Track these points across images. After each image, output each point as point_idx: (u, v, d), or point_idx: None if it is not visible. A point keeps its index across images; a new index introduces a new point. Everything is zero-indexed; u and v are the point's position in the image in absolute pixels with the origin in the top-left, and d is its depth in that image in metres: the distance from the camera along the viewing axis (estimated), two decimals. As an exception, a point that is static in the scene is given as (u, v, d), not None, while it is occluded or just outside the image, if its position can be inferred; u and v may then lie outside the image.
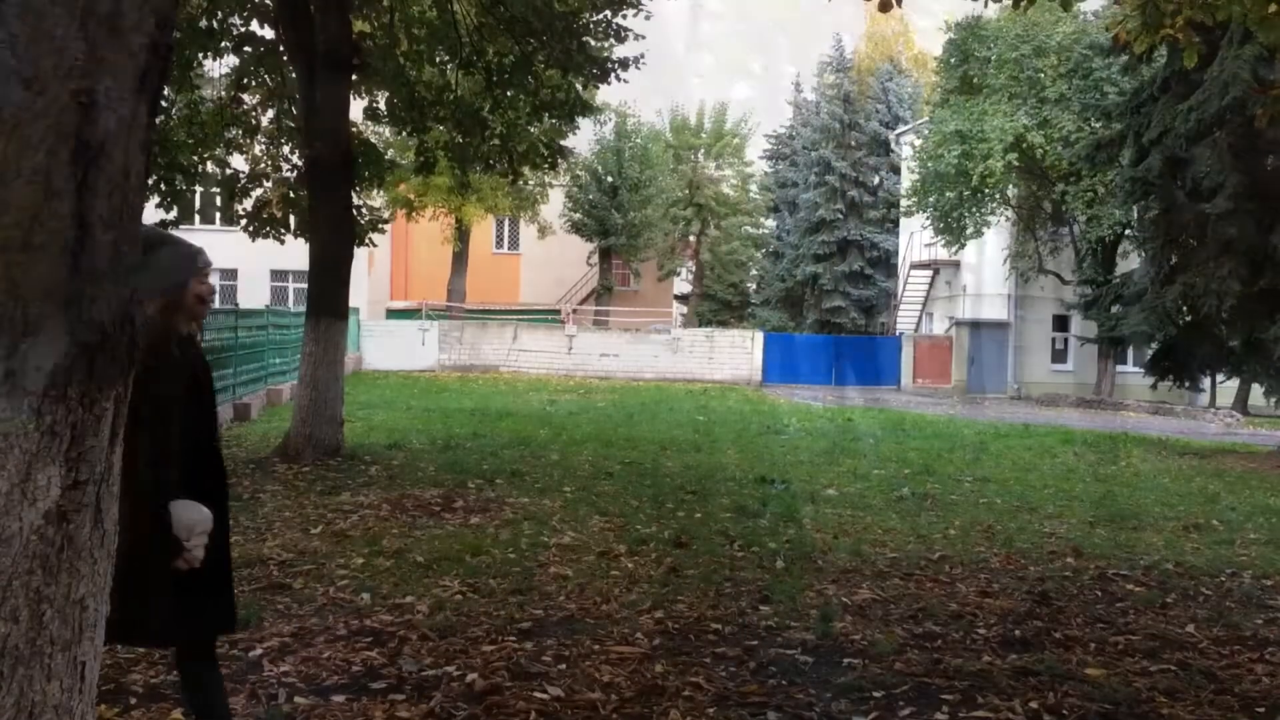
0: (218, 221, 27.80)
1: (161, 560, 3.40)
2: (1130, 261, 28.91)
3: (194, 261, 3.54)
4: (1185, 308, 19.29)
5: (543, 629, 5.85)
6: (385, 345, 34.24)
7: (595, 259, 46.35)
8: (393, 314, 40.00)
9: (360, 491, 10.05)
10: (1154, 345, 21.19)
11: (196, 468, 3.57)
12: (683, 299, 56.42)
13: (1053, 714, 4.68)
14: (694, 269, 53.92)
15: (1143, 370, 22.70)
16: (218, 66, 15.64)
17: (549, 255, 46.50)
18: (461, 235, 39.90)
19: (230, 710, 3.79)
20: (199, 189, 17.27)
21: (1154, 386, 23.21)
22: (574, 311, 43.56)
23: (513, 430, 16.18)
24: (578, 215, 44.15)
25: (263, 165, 16.27)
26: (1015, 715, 4.67)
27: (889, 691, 4.97)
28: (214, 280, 3.70)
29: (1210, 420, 27.14)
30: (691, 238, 52.81)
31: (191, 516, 3.45)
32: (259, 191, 16.04)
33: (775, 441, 16.35)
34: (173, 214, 15.55)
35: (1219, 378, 28.06)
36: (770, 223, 57.25)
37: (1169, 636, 6.11)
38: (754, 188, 54.57)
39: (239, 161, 16.94)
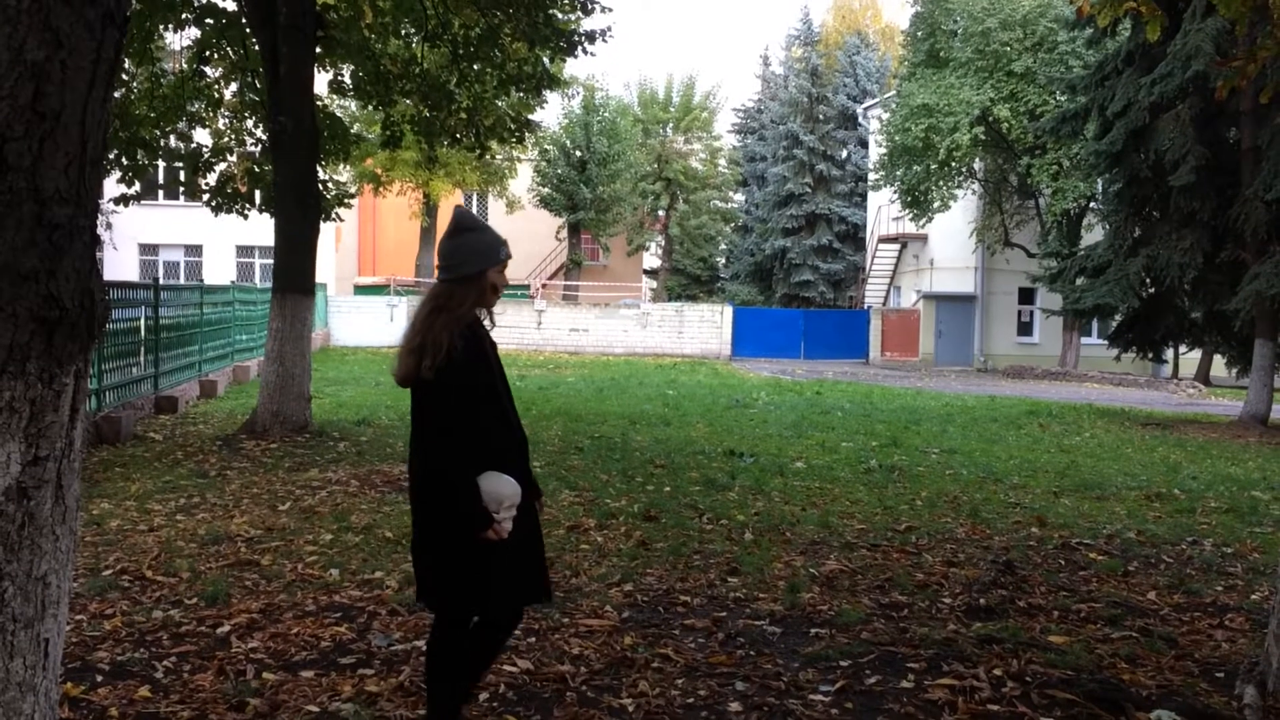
0: (181, 196, 27.45)
1: (467, 532, 3.56)
2: (1095, 234, 29.12)
3: (496, 252, 3.72)
4: (1148, 280, 19.47)
5: (512, 603, 5.86)
6: (353, 321, 34.09)
7: (564, 234, 46.23)
8: (361, 290, 39.78)
9: (328, 468, 10.02)
10: (1118, 317, 21.38)
11: (504, 443, 3.72)
12: (652, 273, 56.39)
13: (1016, 680, 4.74)
14: (663, 243, 53.88)
15: (1107, 342, 22.90)
16: (179, 39, 15.43)
17: (517, 230, 46.14)
18: (429, 210, 39.67)
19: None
20: (161, 163, 17.02)
21: (1118, 358, 23.42)
22: (543, 286, 43.47)
23: (482, 405, 16.12)
24: (546, 190, 43.98)
25: (226, 139, 16.08)
26: (979, 682, 4.73)
27: (855, 660, 5.02)
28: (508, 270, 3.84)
29: (1173, 391, 27.46)
30: (660, 212, 52.74)
31: (501, 489, 3.58)
32: (223, 166, 15.86)
33: (744, 415, 16.41)
34: (134, 189, 15.37)
35: (1181, 349, 28.39)
36: (739, 197, 57.28)
37: (1131, 603, 6.20)
38: (722, 162, 54.55)
39: (202, 135, 16.74)
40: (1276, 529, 8.67)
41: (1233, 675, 4.86)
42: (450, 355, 3.53)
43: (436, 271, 3.79)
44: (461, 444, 3.56)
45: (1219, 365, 28.33)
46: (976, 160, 33.71)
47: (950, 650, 5.17)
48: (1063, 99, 27.64)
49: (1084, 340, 33.48)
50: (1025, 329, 37.21)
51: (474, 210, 47.86)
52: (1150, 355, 22.76)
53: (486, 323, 3.81)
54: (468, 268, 3.68)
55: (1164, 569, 7.16)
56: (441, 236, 3.80)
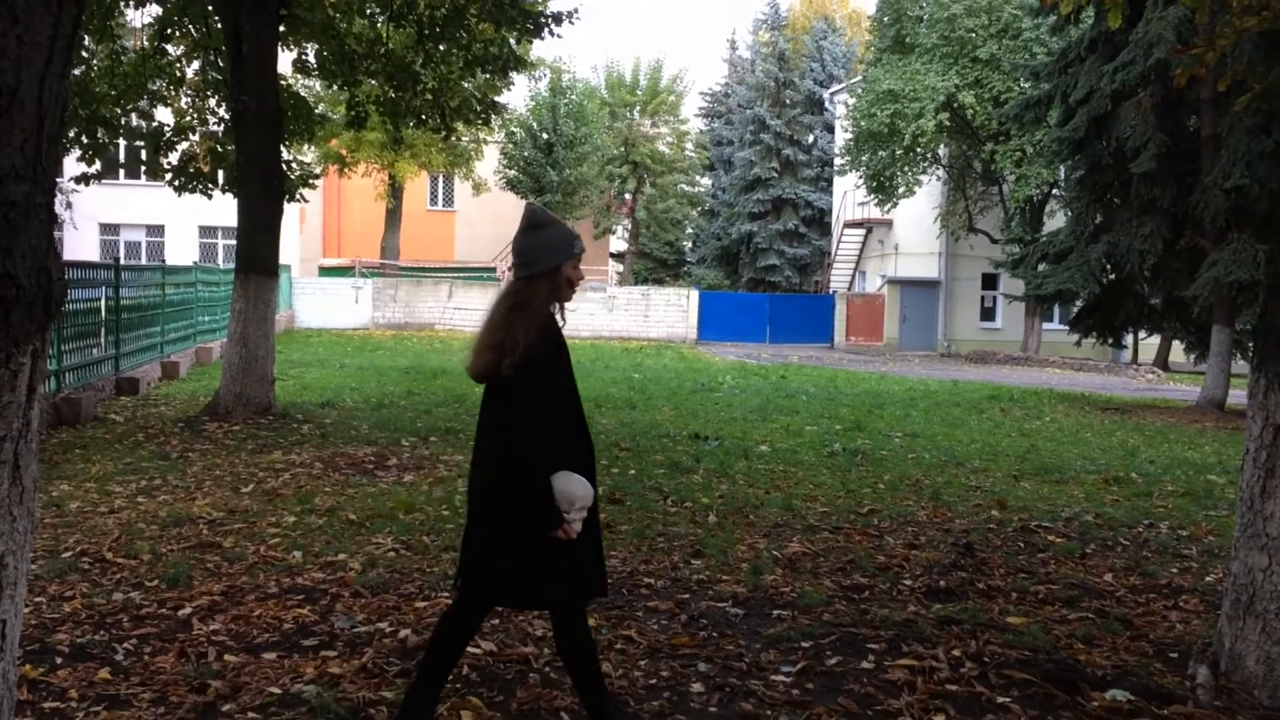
0: (142, 176, 27.15)
1: (538, 528, 3.61)
2: (1057, 220, 29.36)
3: (571, 246, 3.75)
4: (1109, 266, 19.67)
5: (476, 585, 5.87)
6: (318, 303, 33.87)
7: (530, 216, 46.05)
8: (325, 271, 39.48)
9: (292, 450, 9.97)
10: (1079, 303, 21.59)
11: (575, 442, 3.76)
12: (618, 257, 56.32)
13: (974, 661, 4.80)
14: (630, 227, 53.79)
15: (1068, 327, 23.14)
16: (140, 16, 15.22)
17: (484, 212, 46.09)
18: (395, 192, 39.39)
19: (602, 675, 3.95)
20: (122, 142, 16.80)
21: (1078, 343, 23.73)
22: (509, 269, 43.30)
23: (447, 388, 16.11)
24: (513, 172, 43.77)
25: (189, 118, 15.89)
26: (938, 663, 4.78)
27: (817, 641, 5.07)
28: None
29: (1132, 376, 27.76)
30: (627, 195, 52.63)
31: (573, 489, 3.62)
32: (185, 145, 15.67)
33: (709, 399, 16.46)
34: (95, 167, 15.17)
35: (1141, 335, 28.74)
36: (706, 181, 57.27)
37: (1088, 585, 6.28)
38: (690, 145, 54.49)
39: (164, 114, 16.53)
40: (1231, 512, 8.80)
41: (1186, 655, 4.94)
42: (529, 353, 3.58)
43: (512, 269, 3.83)
44: (536, 442, 3.60)
45: (1178, 351, 28.70)
46: (941, 146, 33.88)
47: (910, 631, 5.23)
48: (1026, 86, 27.80)
49: (1046, 326, 33.79)
50: (988, 314, 37.49)
51: (440, 192, 47.71)
52: (1110, 341, 23.04)
53: (559, 318, 3.85)
54: (544, 264, 3.72)
55: (1121, 551, 7.27)
56: (516, 234, 3.85)
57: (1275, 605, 4.46)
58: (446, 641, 3.84)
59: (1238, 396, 17.43)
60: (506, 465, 3.65)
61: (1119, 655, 5.00)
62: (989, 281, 36.82)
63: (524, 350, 3.58)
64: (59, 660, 4.57)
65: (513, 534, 3.66)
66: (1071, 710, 4.32)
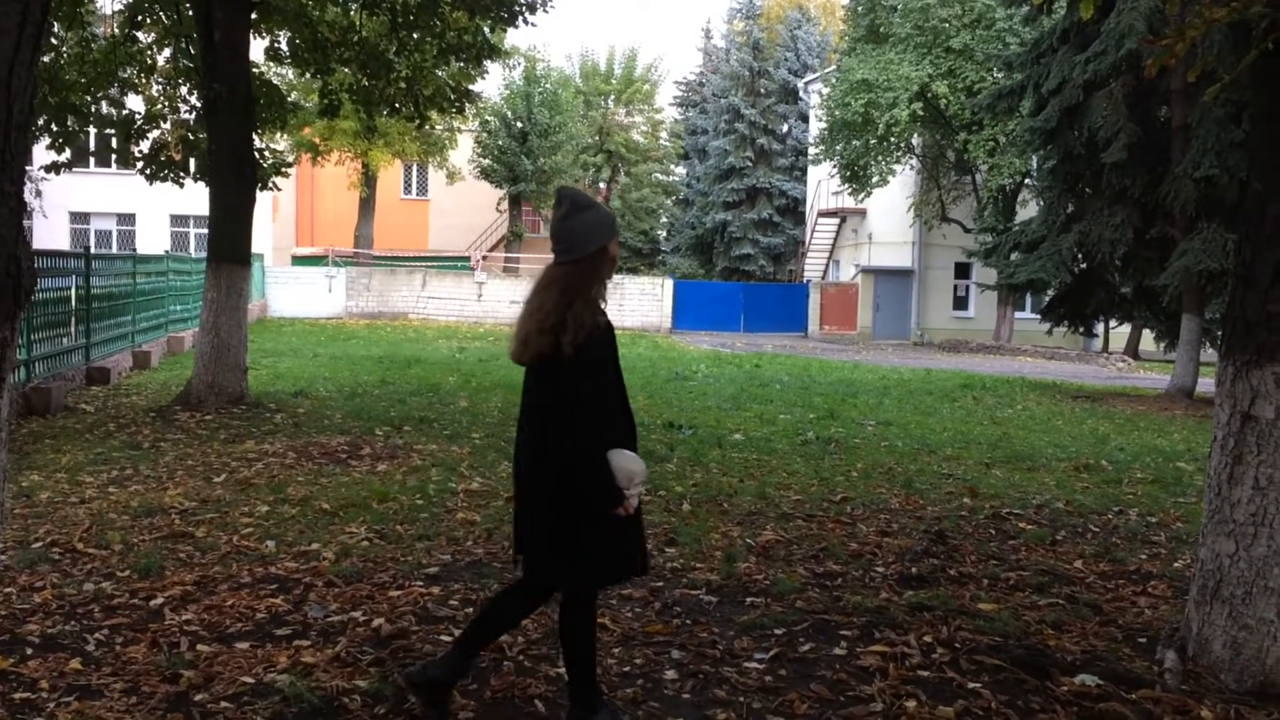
0: (113, 164, 26.90)
1: (594, 508, 3.69)
2: (1029, 210, 29.52)
3: (612, 224, 3.83)
4: (1080, 255, 19.81)
5: (450, 574, 5.88)
6: (291, 292, 33.69)
7: (505, 205, 45.90)
8: (298, 260, 39.29)
9: (265, 439, 9.93)
10: (1050, 292, 21.73)
11: (623, 421, 3.84)
12: (593, 246, 56.16)
13: (945, 647, 4.84)
14: (604, 216, 53.66)
15: (1040, 316, 23.29)
16: (110, 2, 15.08)
17: (458, 201, 45.96)
18: (368, 181, 39.20)
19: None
20: (93, 130, 16.65)
21: (1050, 332, 23.88)
22: (484, 258, 43.21)
23: (421, 378, 16.08)
24: (487, 161, 43.62)
25: (160, 106, 15.75)
26: (910, 649, 4.82)
27: (790, 629, 5.10)
28: None
29: (1103, 365, 27.98)
30: (602, 184, 52.54)
31: (631, 466, 3.70)
32: (156, 133, 15.54)
33: (684, 387, 16.49)
34: (65, 156, 15.04)
35: (1112, 323, 28.96)
36: (680, 170, 57.22)
37: (1058, 571, 6.34)
38: (664, 134, 54.42)
39: (135, 102, 16.39)
40: (1199, 499, 8.89)
41: (1155, 640, 5.00)
42: (593, 334, 3.65)
43: (554, 254, 3.87)
44: (593, 421, 3.69)
45: (1148, 340, 28.94)
46: (915, 136, 33.99)
47: (882, 618, 5.27)
48: (999, 76, 27.93)
49: (1018, 315, 34.01)
50: (961, 303, 37.69)
51: (414, 181, 47.49)
52: (1081, 329, 23.23)
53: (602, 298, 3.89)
54: (592, 245, 3.77)
55: (1090, 538, 7.34)
56: (555, 219, 3.89)
57: (1242, 590, 4.52)
58: (498, 618, 3.99)
59: (1207, 384, 17.61)
60: (557, 446, 3.72)
61: (1088, 641, 5.06)
62: (962, 270, 37.01)
63: (587, 331, 3.65)
64: (29, 651, 4.54)
65: (565, 516, 3.73)
66: (1041, 695, 4.36)
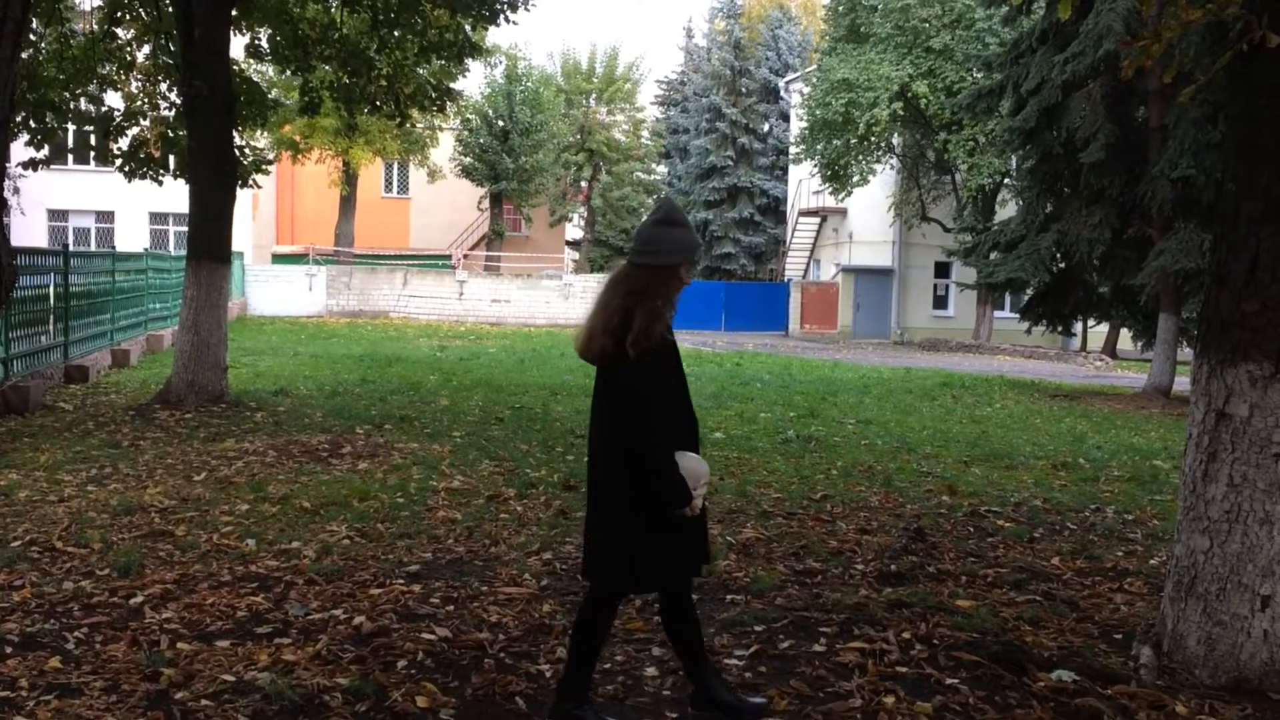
0: (92, 161, 26.75)
1: (655, 510, 3.78)
2: (1009, 209, 29.63)
3: (695, 251, 3.93)
4: (1059, 255, 19.90)
5: (431, 572, 5.88)
6: (271, 290, 33.57)
7: (486, 204, 45.85)
8: (279, 259, 39.13)
9: (245, 438, 9.91)
10: (1029, 291, 21.83)
11: (685, 426, 3.96)
12: (574, 245, 56.21)
13: (924, 643, 4.88)
14: (585, 215, 53.69)
15: (1019, 315, 23.41)
16: (89, -1, 15.01)
17: (439, 200, 45.86)
18: (349, 179, 39.08)
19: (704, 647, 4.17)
20: (71, 127, 16.57)
21: (1029, 331, 24.01)
22: (465, 257, 43.15)
23: (402, 376, 16.06)
24: (468, 159, 43.55)
25: (139, 103, 15.66)
26: (889, 645, 4.86)
27: (769, 626, 5.12)
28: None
29: (1081, 363, 28.13)
30: (583, 183, 52.51)
31: (697, 467, 3.81)
32: (135, 130, 15.46)
33: (665, 386, 16.47)
34: (43, 152, 14.95)
35: (1090, 323, 29.12)
36: (661, 169, 57.24)
37: (1035, 569, 6.39)
38: (645, 133, 54.41)
39: (114, 98, 16.30)
40: (1175, 496, 8.96)
41: (1130, 637, 5.05)
42: (653, 340, 3.72)
43: (632, 254, 3.92)
44: (657, 424, 3.76)
45: (1126, 339, 29.09)
46: (895, 135, 34.07)
47: (861, 615, 5.30)
48: (979, 76, 28.03)
49: (997, 314, 34.15)
50: (941, 302, 37.82)
51: (395, 179, 47.37)
52: (1060, 329, 23.35)
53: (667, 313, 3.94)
54: (668, 259, 3.83)
55: (1068, 535, 7.39)
56: (647, 222, 3.97)
57: (1216, 586, 4.57)
58: (588, 636, 3.98)
59: (1183, 383, 17.68)
60: (616, 449, 3.80)
61: (1065, 637, 5.10)
62: (941, 270, 37.13)
63: (648, 336, 3.71)
64: (9, 650, 4.53)
65: (628, 518, 3.81)
66: (1018, 690, 4.40)
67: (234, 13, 12.95)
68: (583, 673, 3.98)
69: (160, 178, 15.66)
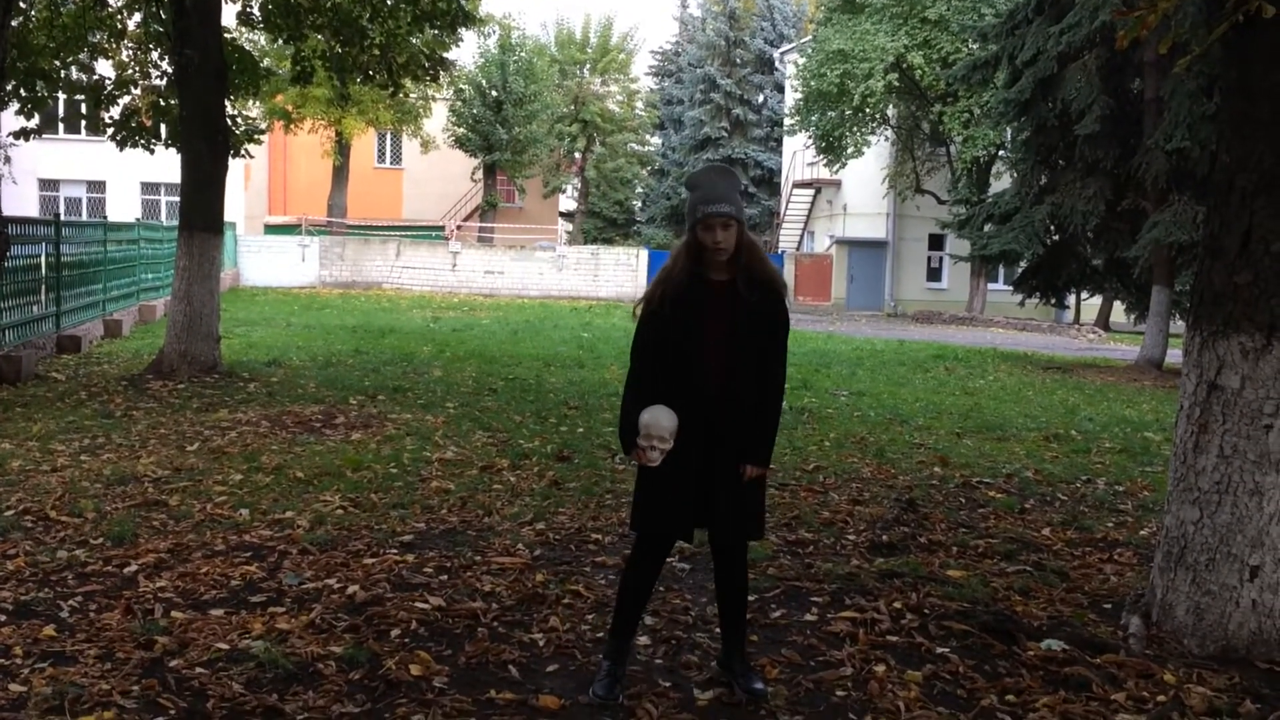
0: (83, 131, 26.59)
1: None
2: (1003, 181, 29.59)
3: (694, 212, 3.92)
4: (1053, 227, 19.89)
5: (424, 542, 5.90)
6: (264, 261, 33.46)
7: (479, 175, 45.65)
8: (271, 229, 38.98)
9: (238, 408, 9.91)
10: (1023, 263, 21.83)
11: (675, 390, 4.01)
12: (568, 216, 56.05)
13: (915, 613, 4.91)
14: (579, 186, 53.49)
15: (1012, 288, 23.41)
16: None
17: (432, 170, 45.63)
18: (342, 149, 38.87)
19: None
20: (62, 95, 16.44)
21: (1022, 303, 23.98)
22: (458, 228, 42.99)
23: (395, 347, 16.05)
24: (461, 130, 43.32)
25: (130, 71, 15.56)
26: (880, 615, 4.89)
27: (761, 595, 5.15)
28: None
29: (1074, 336, 28.19)
30: (577, 154, 52.27)
31: (653, 421, 3.89)
32: (127, 99, 15.36)
33: (658, 358, 16.47)
34: (34, 122, 14.86)
35: (1083, 295, 29.12)
36: (656, 140, 57.06)
37: (1026, 539, 6.43)
38: (640, 104, 54.17)
39: (104, 67, 16.18)
40: (1166, 468, 9.00)
41: (1120, 606, 5.09)
42: (649, 303, 3.96)
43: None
44: (635, 374, 4.05)
45: (1119, 311, 29.13)
46: (890, 107, 33.98)
47: (853, 585, 5.34)
48: (974, 47, 27.91)
49: (990, 286, 34.14)
50: (934, 275, 37.82)
51: (388, 149, 47.14)
52: (1053, 301, 23.34)
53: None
54: (687, 221, 3.98)
55: (1059, 506, 7.43)
56: (724, 177, 4.09)
57: (1205, 557, 4.61)
58: (623, 578, 4.19)
59: (1176, 356, 17.77)
60: None
61: (1055, 607, 5.14)
62: (935, 242, 37.11)
63: (645, 300, 4.02)
64: (3, 618, 4.54)
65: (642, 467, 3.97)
66: (1008, 660, 4.44)
67: (225, -20, 12.85)
68: (618, 618, 4.09)
69: (152, 147, 15.58)
